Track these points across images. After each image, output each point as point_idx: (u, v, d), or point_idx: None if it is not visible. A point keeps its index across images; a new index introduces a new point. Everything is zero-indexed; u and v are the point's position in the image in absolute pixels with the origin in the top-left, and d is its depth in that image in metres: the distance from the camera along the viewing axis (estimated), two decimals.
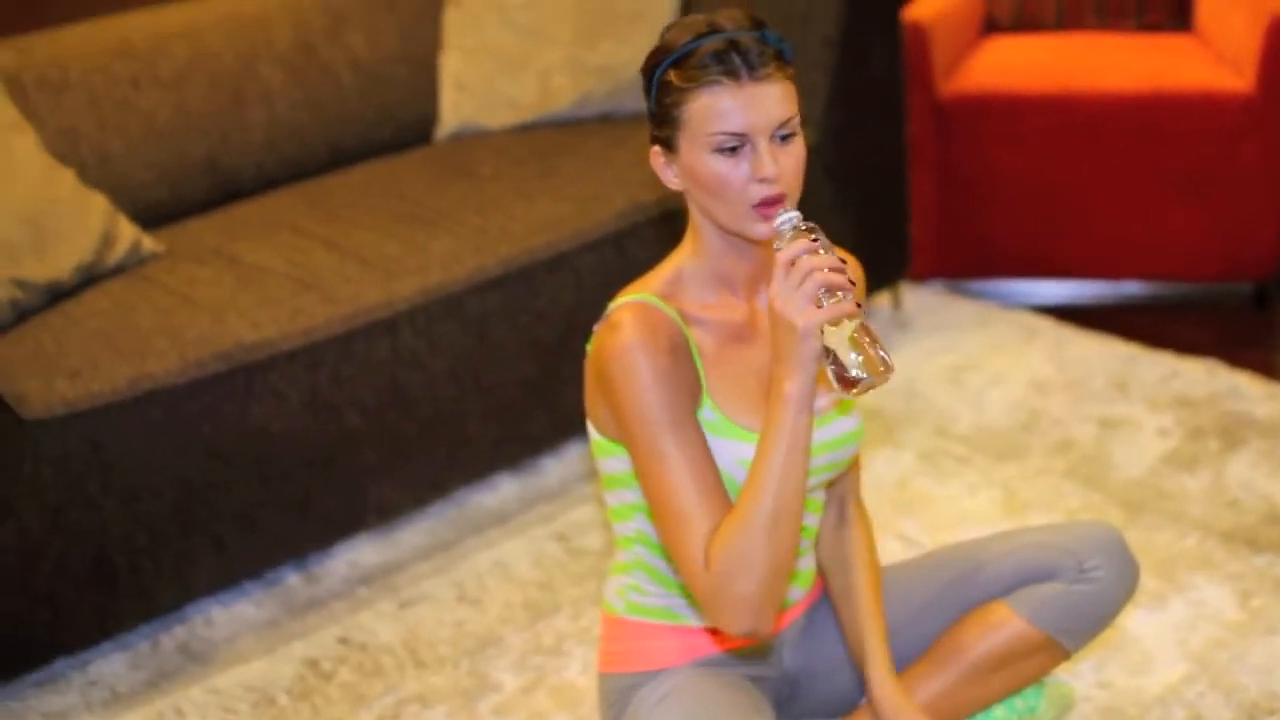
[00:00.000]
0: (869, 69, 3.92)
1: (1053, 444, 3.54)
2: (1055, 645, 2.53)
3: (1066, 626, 2.52)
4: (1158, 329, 4.10)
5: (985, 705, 2.57)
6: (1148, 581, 3.03)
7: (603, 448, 2.39)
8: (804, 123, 3.75)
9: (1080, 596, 2.51)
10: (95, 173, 3.54)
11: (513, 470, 3.56)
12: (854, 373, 2.00)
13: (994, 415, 3.68)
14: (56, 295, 3.22)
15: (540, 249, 3.37)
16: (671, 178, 2.26)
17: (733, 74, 2.13)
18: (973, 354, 3.98)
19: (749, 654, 2.49)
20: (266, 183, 3.82)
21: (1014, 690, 2.57)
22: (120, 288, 3.26)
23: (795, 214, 2.10)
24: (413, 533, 3.39)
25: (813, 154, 3.77)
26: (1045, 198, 4.25)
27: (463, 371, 3.30)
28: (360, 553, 3.33)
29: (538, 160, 3.74)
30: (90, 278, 3.29)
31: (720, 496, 2.16)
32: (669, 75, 2.20)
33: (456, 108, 4.01)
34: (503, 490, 3.52)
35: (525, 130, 3.98)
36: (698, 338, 2.28)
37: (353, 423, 3.18)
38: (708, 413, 2.25)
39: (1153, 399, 3.70)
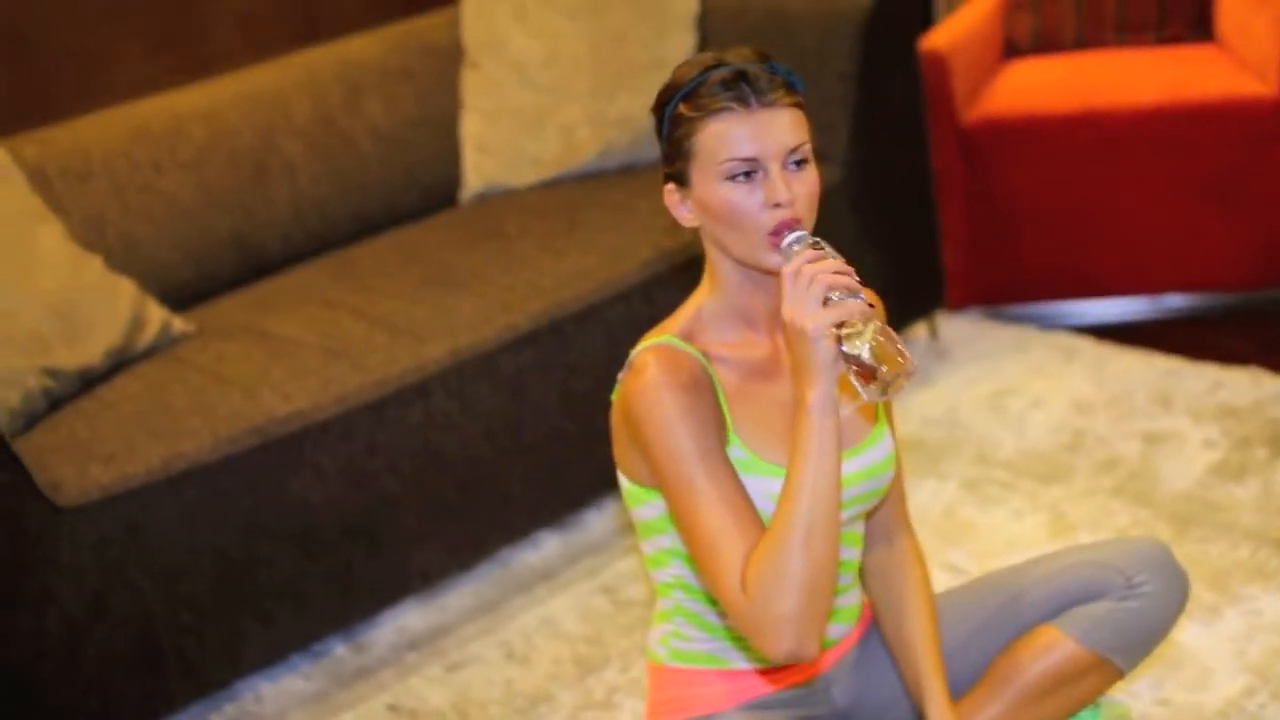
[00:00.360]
0: (889, 101, 3.91)
1: (1098, 463, 3.50)
2: (1108, 665, 2.48)
3: (1118, 645, 2.47)
4: (1199, 341, 4.05)
5: None
6: (1202, 594, 2.98)
7: (634, 495, 2.37)
8: (825, 159, 3.80)
9: (1130, 613, 2.47)
10: (122, 257, 3.55)
11: (555, 526, 3.54)
12: (873, 368, 1.98)
13: (1037, 438, 3.65)
14: (89, 381, 3.24)
15: (569, 302, 3.37)
16: (685, 214, 2.25)
17: (742, 100, 2.13)
18: (1012, 379, 3.94)
19: (798, 695, 2.46)
20: (293, 256, 3.83)
21: (1069, 714, 2.53)
22: (152, 370, 3.27)
23: (802, 232, 2.10)
24: (458, 595, 3.38)
25: (838, 190, 3.78)
26: (1076, 217, 4.22)
27: (498, 430, 3.29)
28: (407, 619, 3.32)
29: (563, 215, 3.74)
30: (122, 361, 3.30)
31: (754, 523, 2.13)
32: (679, 109, 2.20)
33: (479, 169, 4.02)
34: (546, 547, 3.50)
35: (550, 186, 3.98)
36: (721, 375, 2.26)
37: (391, 489, 3.17)
38: (736, 450, 2.23)
39: (1197, 411, 3.66)
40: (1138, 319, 4.28)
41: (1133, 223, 4.20)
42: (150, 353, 3.35)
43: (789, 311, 2.03)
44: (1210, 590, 3.00)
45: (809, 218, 2.18)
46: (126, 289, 3.36)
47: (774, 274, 2.21)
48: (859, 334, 2.00)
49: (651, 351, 2.22)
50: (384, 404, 3.14)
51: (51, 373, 3.15)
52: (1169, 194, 4.15)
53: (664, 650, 2.48)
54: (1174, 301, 4.30)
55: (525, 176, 4.00)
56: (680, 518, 2.17)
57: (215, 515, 2.97)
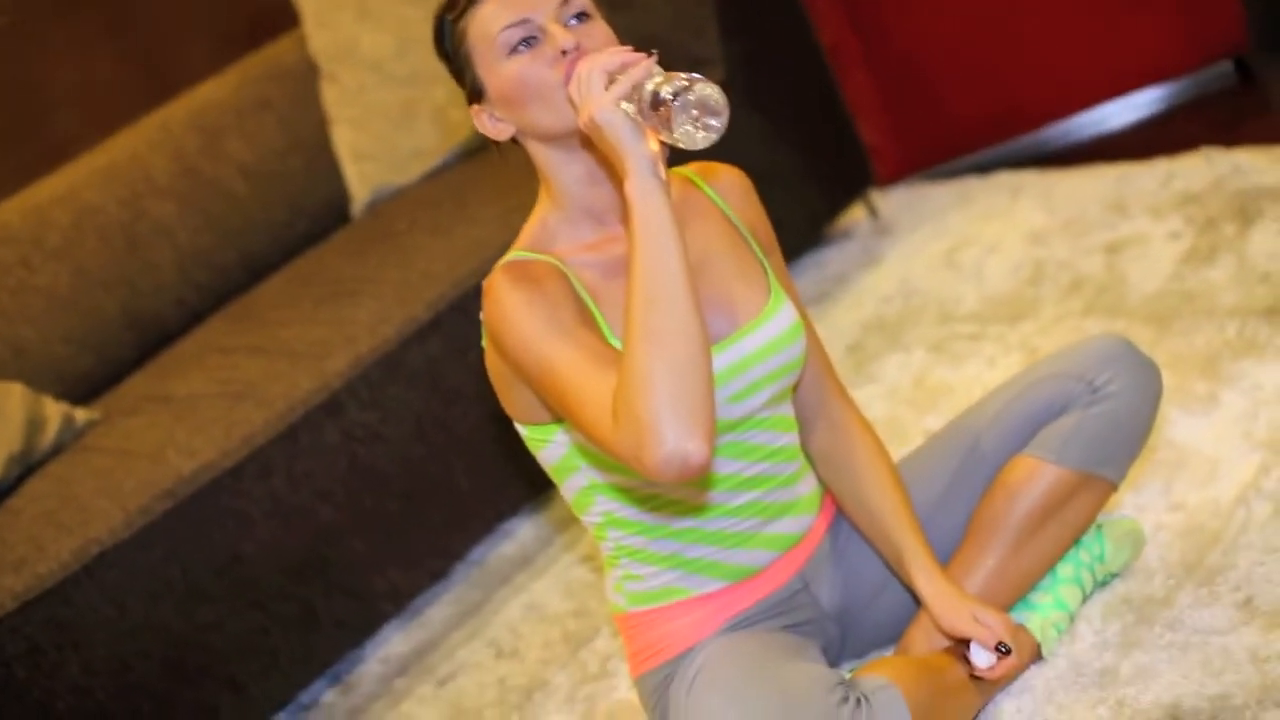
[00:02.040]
0: None
1: (1063, 288, 3.27)
2: (1095, 479, 2.27)
3: (1098, 455, 2.26)
4: (1144, 141, 3.81)
5: (1045, 568, 2.31)
6: (1195, 386, 2.75)
7: (534, 439, 2.18)
8: (703, 64, 3.58)
9: (1100, 418, 2.25)
10: (14, 364, 3.39)
11: (522, 511, 3.33)
12: (669, 98, 1.80)
13: (997, 282, 3.42)
14: None
15: (465, 279, 3.16)
16: (497, 125, 2.09)
17: None
18: (961, 232, 3.71)
19: (778, 602, 2.25)
20: (192, 317, 3.66)
21: (1069, 543, 2.31)
22: (59, 467, 3.09)
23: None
24: (439, 606, 3.17)
25: (735, 91, 3.55)
26: (986, 54, 3.99)
27: (427, 428, 3.09)
28: (390, 645, 3.11)
29: (451, 197, 3.54)
30: (28, 466, 3.12)
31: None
32: (446, 21, 2.06)
33: (363, 177, 3.82)
34: (519, 534, 3.29)
35: (437, 174, 3.80)
36: (582, 277, 2.07)
37: (328, 518, 2.97)
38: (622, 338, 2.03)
39: (1155, 208, 3.42)
40: (1081, 138, 4.03)
41: (1046, 43, 3.96)
42: (57, 450, 3.17)
43: (580, 115, 1.88)
44: (1204, 380, 2.76)
45: None
46: (15, 393, 3.18)
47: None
48: (652, 92, 1.82)
49: (498, 270, 2.04)
50: (294, 432, 2.94)
51: None
52: (1073, 1, 3.91)
53: (622, 597, 2.28)
54: (1114, 109, 4.05)
55: (410, 172, 3.81)
56: (554, 396, 1.96)
57: (145, 593, 2.78)
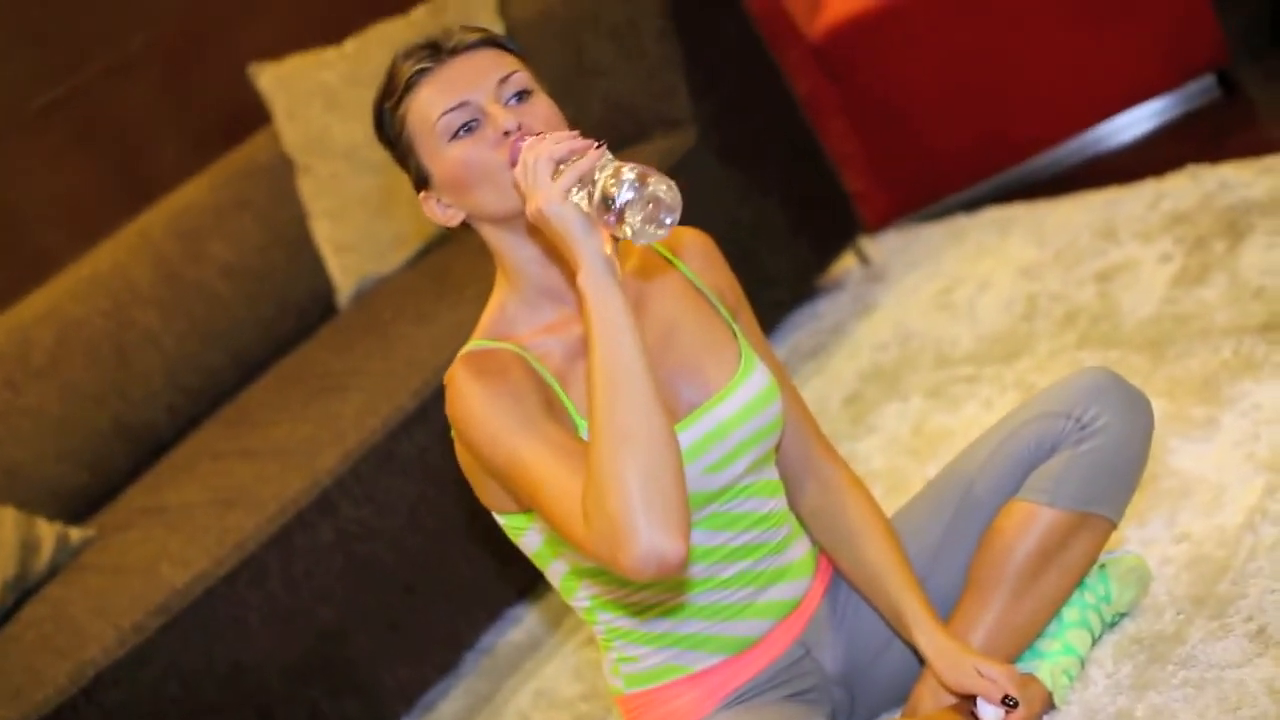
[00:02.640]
0: (720, 43, 3.65)
1: (1057, 322, 3.22)
2: (1093, 519, 2.20)
3: (1093, 493, 2.19)
4: (1130, 164, 3.75)
5: (1049, 614, 2.24)
6: (1193, 412, 2.69)
7: (512, 527, 2.14)
8: (675, 125, 3.55)
9: (1092, 455, 2.19)
10: (7, 487, 3.37)
11: (527, 595, 3.27)
12: (625, 201, 1.76)
13: (991, 321, 3.36)
14: None
15: (449, 364, 3.08)
16: (447, 212, 2.05)
17: (432, 58, 1.98)
18: (953, 271, 3.66)
19: (780, 671, 2.20)
20: (185, 423, 3.63)
21: (1072, 586, 2.24)
22: (56, 589, 3.06)
23: (528, 140, 1.89)
24: (450, 700, 3.11)
25: (698, 151, 3.53)
26: (964, 91, 3.95)
27: (422, 519, 3.04)
28: None
29: (432, 281, 3.52)
30: (25, 590, 3.09)
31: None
32: (385, 109, 2.03)
33: (345, 269, 3.80)
34: (525, 620, 3.24)
35: (420, 258, 3.78)
36: (545, 361, 2.03)
37: (328, 619, 2.92)
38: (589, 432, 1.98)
39: (1144, 232, 3.36)
40: (1067, 166, 3.98)
41: (1025, 73, 3.92)
42: (54, 572, 3.14)
43: (528, 206, 1.83)
44: (1202, 404, 2.70)
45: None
46: (7, 518, 3.15)
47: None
48: (604, 186, 1.78)
49: (458, 363, 2.01)
50: (288, 534, 2.90)
51: None
52: (1048, 29, 3.87)
53: (619, 680, 2.23)
54: (1099, 134, 4.00)
55: (393, 259, 3.78)
56: (525, 493, 1.92)
57: (147, 712, 2.74)
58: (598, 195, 1.78)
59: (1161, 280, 3.14)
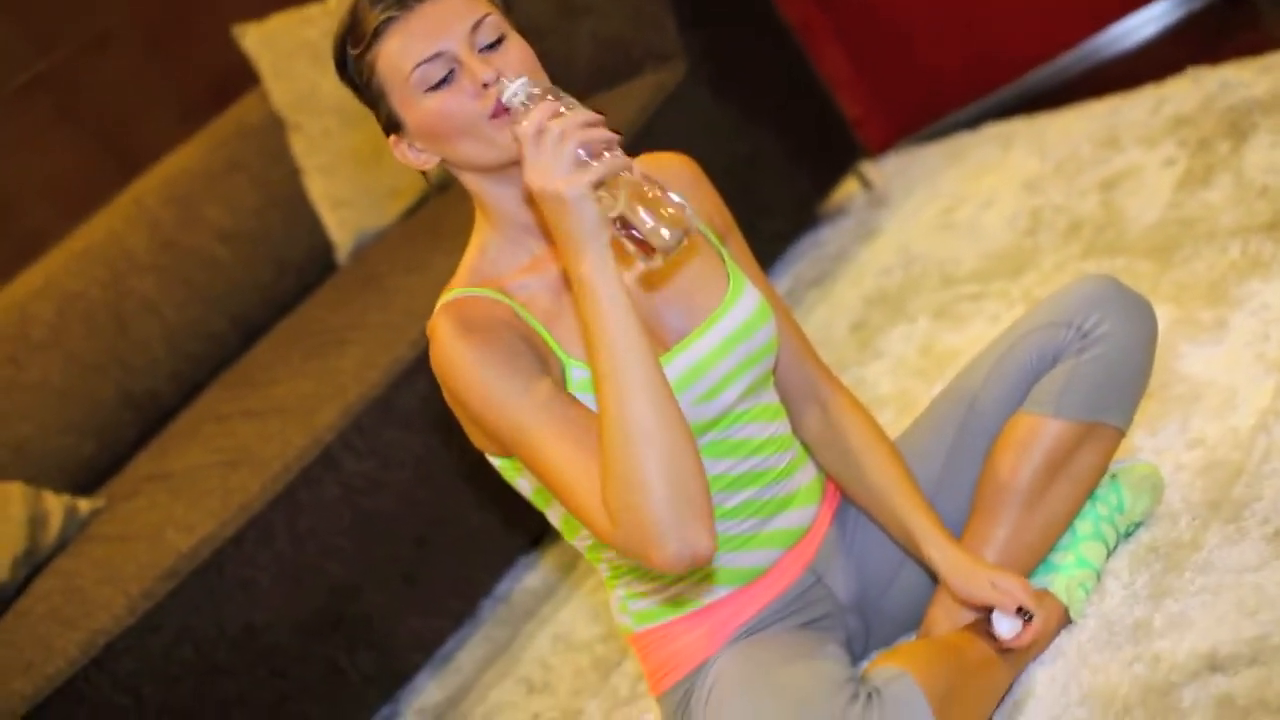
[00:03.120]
0: None
1: (1061, 234, 3.16)
2: (1100, 428, 2.16)
3: (1098, 402, 2.15)
4: (1131, 70, 3.69)
5: (1061, 527, 2.20)
6: (1202, 315, 2.63)
7: (506, 470, 2.10)
8: (665, 59, 3.50)
9: (1095, 363, 2.14)
10: (15, 462, 3.34)
11: (541, 541, 3.24)
12: (653, 231, 1.74)
13: (995, 237, 3.31)
14: (5, 598, 3.00)
15: None
16: (419, 157, 1.99)
17: (400, 5, 1.89)
18: (956, 190, 3.61)
19: (791, 600, 2.16)
20: (190, 388, 3.60)
21: (1083, 498, 2.20)
22: (66, 561, 3.04)
23: (521, 80, 1.81)
24: (469, 649, 3.09)
25: (688, 87, 3.47)
26: (958, 8, 3.89)
27: (429, 469, 3.00)
28: (425, 694, 3.03)
29: (428, 231, 3.48)
30: (36, 564, 3.07)
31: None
32: (349, 55, 1.96)
33: (343, 224, 3.76)
34: (539, 565, 3.21)
35: (417, 210, 3.74)
36: (528, 303, 1.98)
37: (339, 574, 2.90)
38: (578, 371, 1.96)
39: (1147, 137, 3.30)
40: (1066, 78, 3.91)
41: None
42: (64, 544, 3.12)
43: (537, 177, 1.75)
44: (1210, 307, 2.65)
45: (537, 79, 1.90)
46: (15, 493, 3.13)
47: None
48: (623, 191, 1.74)
49: (439, 313, 1.96)
50: (292, 492, 2.87)
51: None
52: None
53: (628, 617, 2.20)
54: (1097, 44, 3.93)
55: (390, 212, 3.74)
56: (527, 464, 1.90)
57: (161, 677, 2.72)
58: (618, 210, 1.74)
59: (1165, 185, 3.09)
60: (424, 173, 2.03)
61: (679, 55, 3.48)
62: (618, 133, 1.79)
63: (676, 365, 1.99)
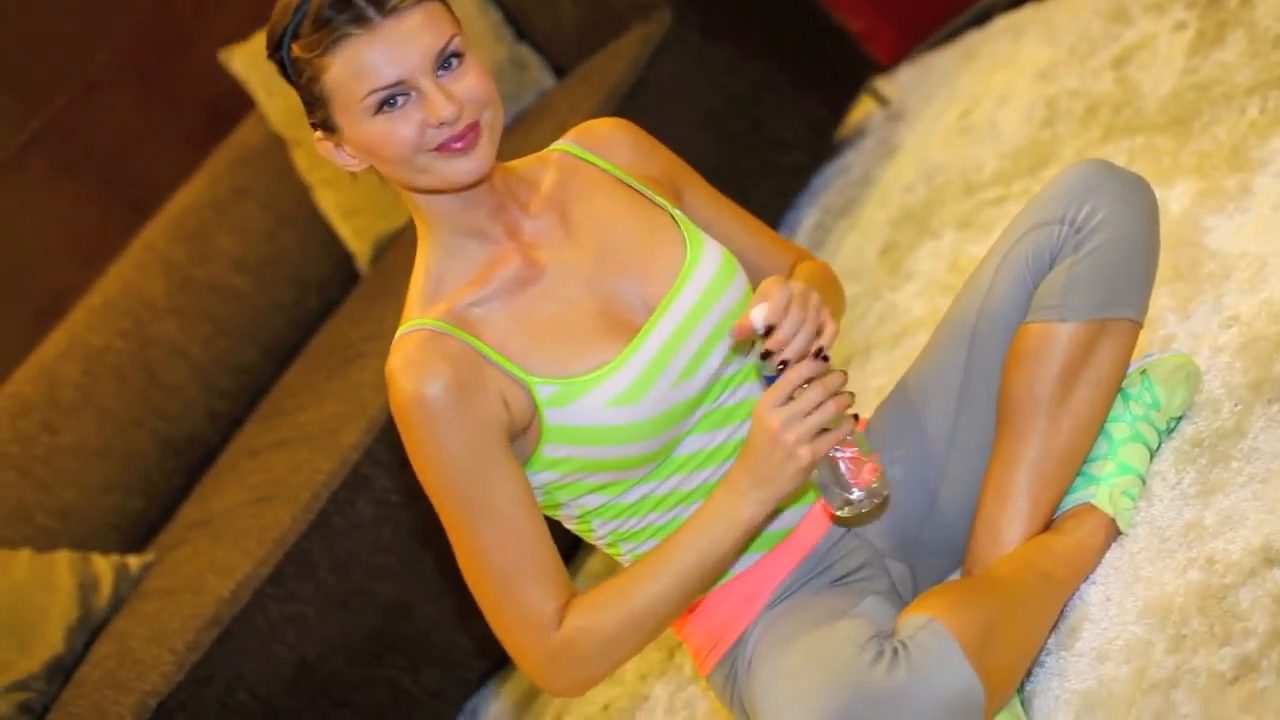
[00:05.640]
0: None
1: (1079, 120, 3.01)
2: (1113, 324, 2.02)
3: (1105, 296, 2.01)
4: None
5: (1092, 434, 2.06)
6: (1226, 183, 2.48)
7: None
8: (652, 6, 3.38)
9: (1096, 255, 2.01)
10: (64, 530, 3.32)
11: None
12: (855, 495, 1.84)
13: (1014, 135, 3.17)
14: (67, 669, 2.97)
15: None
16: (348, 160, 1.90)
17: (360, 19, 1.78)
18: (971, 92, 3.46)
19: (823, 555, 2.05)
20: (231, 424, 3.55)
21: (1109, 400, 2.06)
22: (121, 622, 3.02)
23: (762, 308, 1.79)
24: None
25: (677, 34, 3.36)
26: None
27: None
28: (498, 700, 2.97)
29: None
30: (94, 628, 3.04)
31: (548, 543, 1.87)
32: (293, 51, 1.84)
33: (359, 234, 3.69)
34: (597, 554, 3.11)
35: None
36: (482, 326, 1.89)
37: (388, 594, 2.83)
38: (544, 389, 1.87)
39: (1155, 4, 3.13)
40: None
41: None
42: (119, 605, 3.08)
43: (780, 425, 1.78)
44: (1233, 173, 2.50)
45: (490, 108, 1.82)
46: (61, 562, 3.10)
47: (475, 185, 1.87)
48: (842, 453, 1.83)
49: (397, 356, 1.87)
50: (326, 518, 2.81)
51: (19, 686, 2.90)
52: None
53: None
54: None
55: (404, 212, 3.66)
56: (461, 552, 1.90)
57: None
58: (841, 478, 1.83)
59: (1179, 51, 2.92)
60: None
61: (663, 3, 3.35)
62: (852, 395, 1.81)
63: (648, 348, 1.90)
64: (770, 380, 1.81)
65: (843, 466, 1.82)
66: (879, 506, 1.90)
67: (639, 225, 1.99)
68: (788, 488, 1.81)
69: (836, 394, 1.79)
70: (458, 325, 1.87)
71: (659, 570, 1.85)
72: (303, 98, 1.89)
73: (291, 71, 1.87)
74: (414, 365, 1.83)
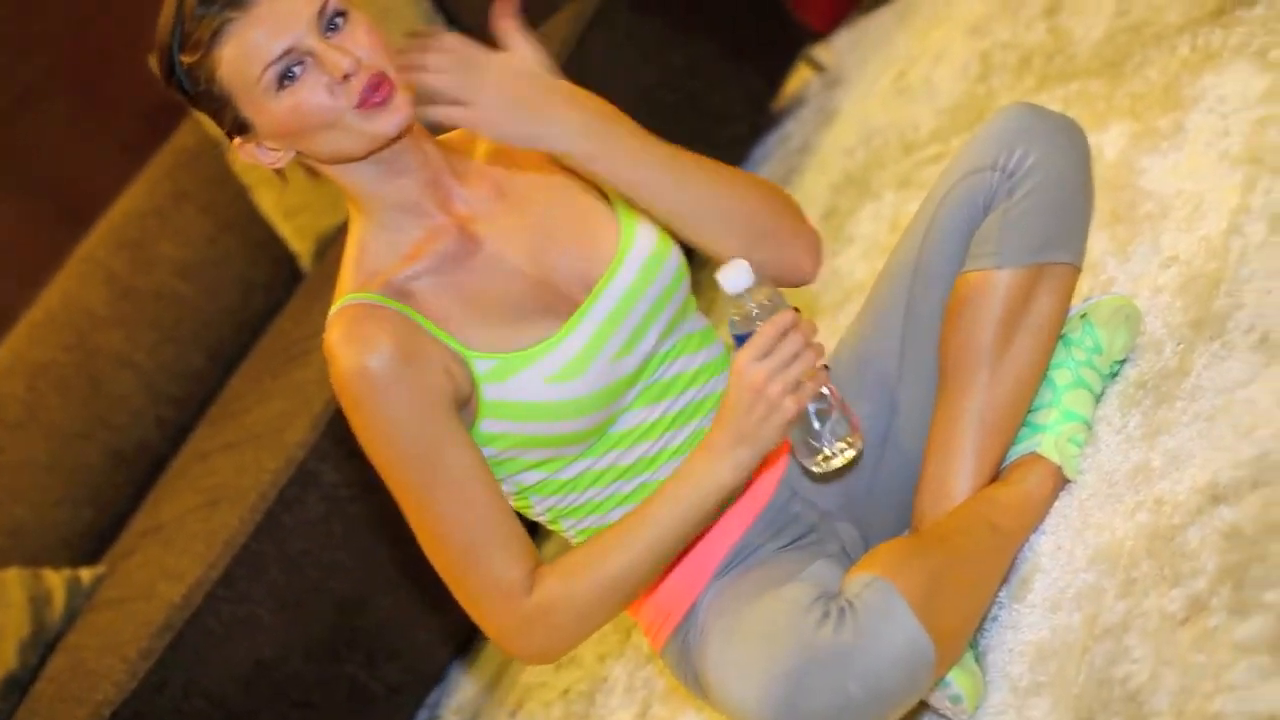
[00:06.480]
0: None
1: (1013, 72, 2.99)
2: (1050, 268, 2.00)
3: (1041, 240, 1.99)
4: None
5: (1035, 381, 2.03)
6: (1159, 123, 2.46)
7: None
8: (553, 13, 3.35)
9: (1029, 200, 1.98)
10: (15, 547, 3.30)
11: None
12: (828, 447, 1.82)
13: (949, 92, 3.15)
14: (22, 685, 2.94)
15: None
16: (272, 157, 1.87)
17: (233, 5, 1.76)
18: (906, 52, 3.44)
19: (771, 520, 2.02)
20: (180, 432, 3.51)
21: (1051, 345, 2.03)
22: (74, 636, 2.99)
23: (742, 266, 1.77)
24: None
25: (612, 6, 3.32)
26: None
27: None
28: (461, 691, 2.93)
29: None
30: (48, 643, 3.00)
31: (508, 509, 1.85)
32: (183, 61, 1.81)
33: (300, 233, 3.65)
34: (554, 540, 3.08)
35: None
36: (421, 299, 1.86)
37: (344, 589, 2.80)
38: (481, 364, 1.84)
39: None
40: None
41: None
42: (72, 618, 3.04)
43: (763, 377, 1.75)
44: (1166, 113, 2.47)
45: (385, 63, 1.79)
46: (11, 579, 3.07)
47: (398, 140, 1.83)
48: (821, 410, 1.80)
49: (335, 328, 1.83)
50: (274, 517, 2.77)
51: None
52: None
53: None
54: None
55: (345, 208, 3.61)
56: (419, 526, 1.88)
57: None
58: (816, 428, 1.81)
59: None
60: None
61: None
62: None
63: (587, 325, 1.87)
64: (741, 339, 1.77)
65: (817, 421, 1.80)
66: (854, 460, 1.86)
67: (573, 201, 1.97)
68: (772, 443, 1.78)
69: (812, 343, 1.76)
70: (395, 298, 1.84)
71: (635, 537, 1.82)
72: (208, 109, 1.86)
73: (189, 84, 1.83)
74: (354, 338, 1.80)
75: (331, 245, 3.62)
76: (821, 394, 1.79)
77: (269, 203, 3.65)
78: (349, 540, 2.81)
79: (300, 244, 3.65)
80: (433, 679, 2.87)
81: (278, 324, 3.49)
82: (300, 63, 1.77)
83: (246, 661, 2.69)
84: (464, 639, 2.93)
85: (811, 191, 3.28)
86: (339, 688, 2.76)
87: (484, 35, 1.81)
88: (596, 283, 1.90)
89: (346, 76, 1.76)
